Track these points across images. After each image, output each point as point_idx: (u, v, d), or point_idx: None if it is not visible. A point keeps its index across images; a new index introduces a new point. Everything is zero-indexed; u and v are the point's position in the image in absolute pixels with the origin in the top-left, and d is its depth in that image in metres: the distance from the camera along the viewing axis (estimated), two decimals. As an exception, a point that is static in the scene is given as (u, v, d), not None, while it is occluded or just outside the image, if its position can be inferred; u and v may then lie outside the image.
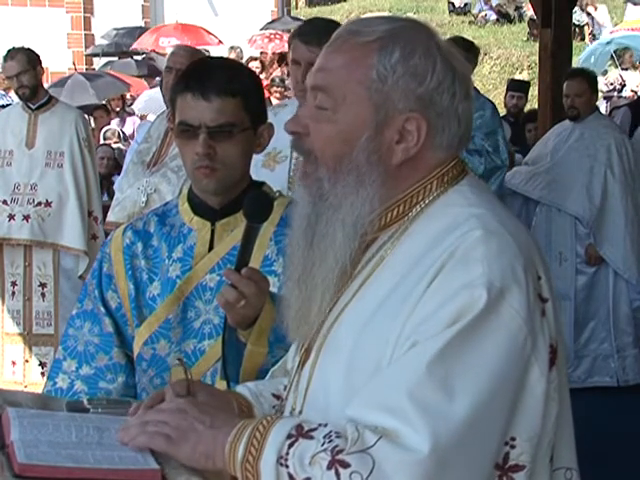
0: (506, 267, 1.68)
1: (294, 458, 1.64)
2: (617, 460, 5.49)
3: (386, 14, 15.06)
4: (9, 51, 6.36)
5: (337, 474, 1.60)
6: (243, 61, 14.39)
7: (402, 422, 1.60)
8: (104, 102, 13.36)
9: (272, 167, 3.93)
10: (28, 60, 6.26)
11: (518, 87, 10.92)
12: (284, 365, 2.15)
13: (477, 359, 1.63)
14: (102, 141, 10.62)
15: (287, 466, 1.64)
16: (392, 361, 1.69)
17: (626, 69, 16.80)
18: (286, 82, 12.48)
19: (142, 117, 13.58)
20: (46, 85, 8.89)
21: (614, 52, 17.16)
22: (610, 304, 7.13)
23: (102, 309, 2.66)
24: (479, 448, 1.64)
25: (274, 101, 11.38)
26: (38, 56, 6.37)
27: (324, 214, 1.81)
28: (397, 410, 1.61)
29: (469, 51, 6.32)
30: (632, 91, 15.73)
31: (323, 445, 1.64)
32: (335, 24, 4.16)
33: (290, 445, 1.66)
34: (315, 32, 3.91)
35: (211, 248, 2.61)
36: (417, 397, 1.61)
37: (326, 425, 1.69)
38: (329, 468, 1.61)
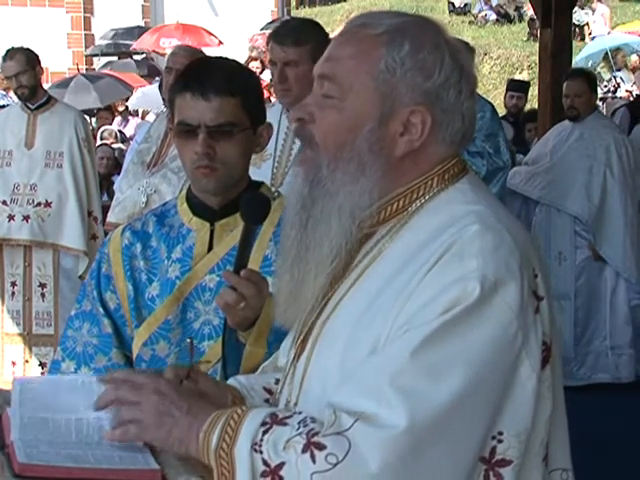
0: (501, 262, 1.68)
1: (268, 444, 1.64)
2: (611, 459, 5.49)
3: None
4: (8, 51, 6.35)
5: (312, 456, 1.60)
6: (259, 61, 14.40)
7: (382, 406, 1.60)
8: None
9: (258, 165, 3.97)
10: (27, 60, 6.25)
11: (518, 87, 10.90)
12: (275, 361, 2.16)
13: (464, 347, 1.63)
14: (99, 141, 10.60)
15: (261, 452, 1.64)
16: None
17: (619, 69, 16.85)
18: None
19: (137, 113, 13.56)
20: (46, 85, 8.88)
21: (609, 53, 17.22)
22: (608, 303, 7.13)
23: (101, 310, 2.65)
24: (461, 436, 1.63)
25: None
26: (37, 56, 6.36)
27: (320, 200, 1.81)
28: (378, 395, 1.61)
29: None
30: (627, 91, 15.72)
31: (298, 430, 1.64)
32: (311, 23, 4.18)
33: (265, 432, 1.66)
34: (288, 32, 3.95)
35: (210, 248, 2.60)
36: (399, 382, 1.61)
37: (300, 413, 1.70)
38: (304, 451, 1.61)
